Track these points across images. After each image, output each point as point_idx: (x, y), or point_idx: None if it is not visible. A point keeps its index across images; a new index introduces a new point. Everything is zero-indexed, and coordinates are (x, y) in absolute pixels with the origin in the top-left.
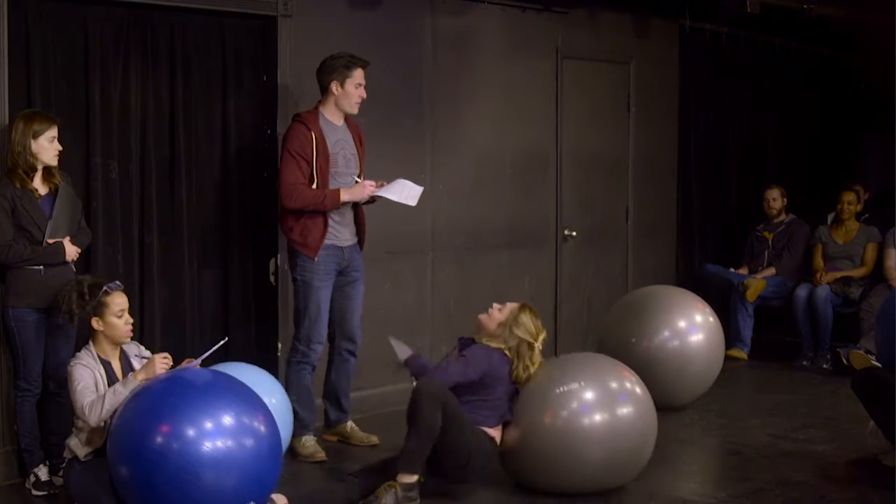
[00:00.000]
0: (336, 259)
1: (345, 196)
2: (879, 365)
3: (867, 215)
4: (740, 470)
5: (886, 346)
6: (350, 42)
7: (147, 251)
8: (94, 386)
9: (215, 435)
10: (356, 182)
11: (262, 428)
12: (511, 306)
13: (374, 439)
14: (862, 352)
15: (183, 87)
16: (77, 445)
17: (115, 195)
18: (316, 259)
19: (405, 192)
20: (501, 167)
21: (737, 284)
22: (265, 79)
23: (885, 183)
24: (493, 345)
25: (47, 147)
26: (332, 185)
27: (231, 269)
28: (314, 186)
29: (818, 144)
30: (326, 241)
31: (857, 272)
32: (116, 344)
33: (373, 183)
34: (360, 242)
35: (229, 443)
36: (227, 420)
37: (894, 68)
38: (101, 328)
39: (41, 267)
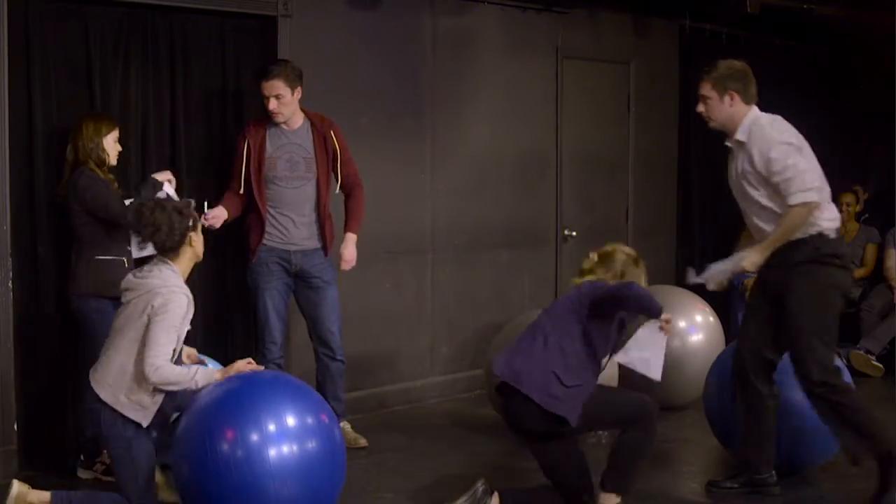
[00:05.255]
0: (280, 262)
1: None
2: (881, 366)
3: (867, 216)
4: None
5: None
6: (350, 42)
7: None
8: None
9: (281, 439)
10: None
11: (327, 427)
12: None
13: (363, 441)
14: (862, 352)
15: (183, 87)
16: (148, 402)
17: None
18: (255, 260)
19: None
20: (501, 167)
21: (737, 285)
22: None
23: (885, 183)
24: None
25: (113, 146)
26: (272, 190)
27: (231, 271)
28: (242, 191)
29: (818, 144)
30: (266, 243)
31: (857, 273)
32: (196, 262)
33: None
34: (325, 248)
35: (294, 448)
36: (291, 421)
37: (894, 68)
38: (196, 244)
39: (124, 258)
